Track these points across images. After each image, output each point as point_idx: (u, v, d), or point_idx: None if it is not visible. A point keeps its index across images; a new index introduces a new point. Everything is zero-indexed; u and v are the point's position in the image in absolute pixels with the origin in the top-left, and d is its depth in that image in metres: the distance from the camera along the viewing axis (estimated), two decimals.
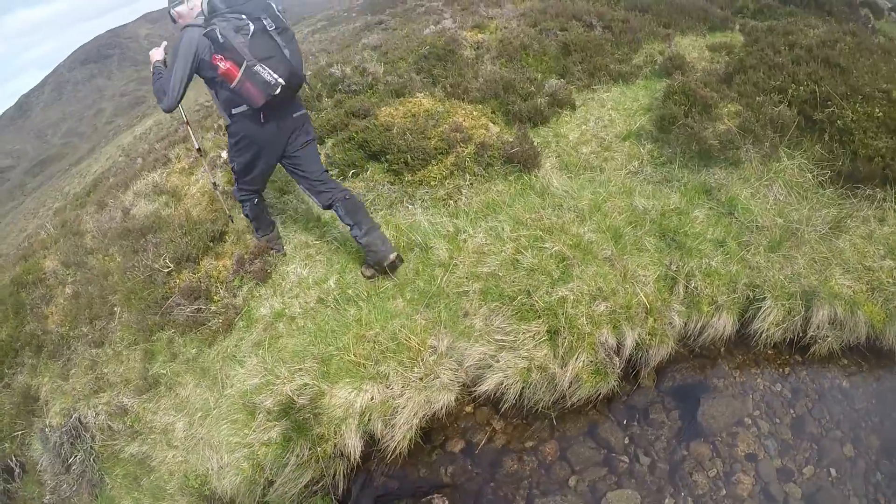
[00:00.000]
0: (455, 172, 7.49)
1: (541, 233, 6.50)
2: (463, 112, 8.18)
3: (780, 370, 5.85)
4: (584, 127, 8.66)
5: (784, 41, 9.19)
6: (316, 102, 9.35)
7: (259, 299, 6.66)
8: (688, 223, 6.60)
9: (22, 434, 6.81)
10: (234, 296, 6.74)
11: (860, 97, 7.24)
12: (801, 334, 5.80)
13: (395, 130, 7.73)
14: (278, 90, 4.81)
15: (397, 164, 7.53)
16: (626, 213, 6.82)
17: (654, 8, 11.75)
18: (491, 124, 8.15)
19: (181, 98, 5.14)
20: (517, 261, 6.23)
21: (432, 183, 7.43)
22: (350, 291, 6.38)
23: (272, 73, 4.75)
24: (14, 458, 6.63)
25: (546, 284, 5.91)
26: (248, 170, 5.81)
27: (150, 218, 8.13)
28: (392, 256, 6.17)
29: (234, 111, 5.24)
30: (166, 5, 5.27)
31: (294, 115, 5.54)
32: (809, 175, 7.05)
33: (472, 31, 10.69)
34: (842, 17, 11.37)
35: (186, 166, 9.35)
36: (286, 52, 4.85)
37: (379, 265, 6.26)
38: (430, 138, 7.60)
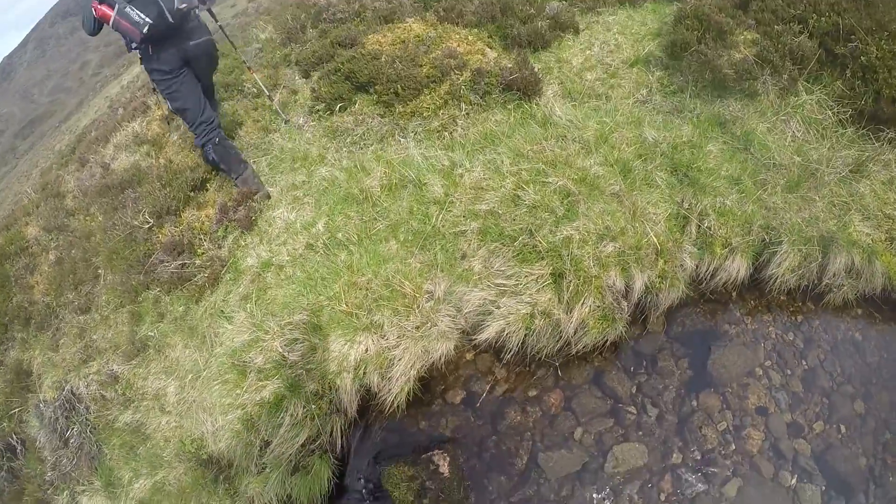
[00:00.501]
0: (450, 102, 7.17)
1: (543, 166, 6.16)
2: (457, 37, 7.83)
3: (793, 318, 5.72)
4: (588, 52, 8.24)
5: None
6: (300, 34, 9.05)
7: (245, 249, 6.47)
8: (701, 158, 6.26)
9: (19, 411, 6.74)
10: (219, 247, 6.56)
11: (886, 34, 6.78)
12: (815, 281, 5.64)
13: (383, 59, 7.41)
14: (146, 28, 5.34)
15: (387, 94, 7.24)
16: (634, 145, 6.47)
17: None
18: (488, 49, 7.81)
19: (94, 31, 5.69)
20: (518, 197, 5.92)
21: (425, 114, 7.13)
22: (340, 235, 6.15)
23: (139, 13, 5.30)
24: (14, 436, 6.56)
25: (550, 223, 5.62)
26: (177, 98, 6.27)
27: (130, 171, 7.92)
28: (261, 194, 6.71)
29: (132, 50, 5.86)
30: None
31: (191, 43, 6.03)
32: (829, 112, 6.69)
33: None
34: None
35: (167, 113, 9.11)
36: None
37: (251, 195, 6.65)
38: (421, 66, 7.27)
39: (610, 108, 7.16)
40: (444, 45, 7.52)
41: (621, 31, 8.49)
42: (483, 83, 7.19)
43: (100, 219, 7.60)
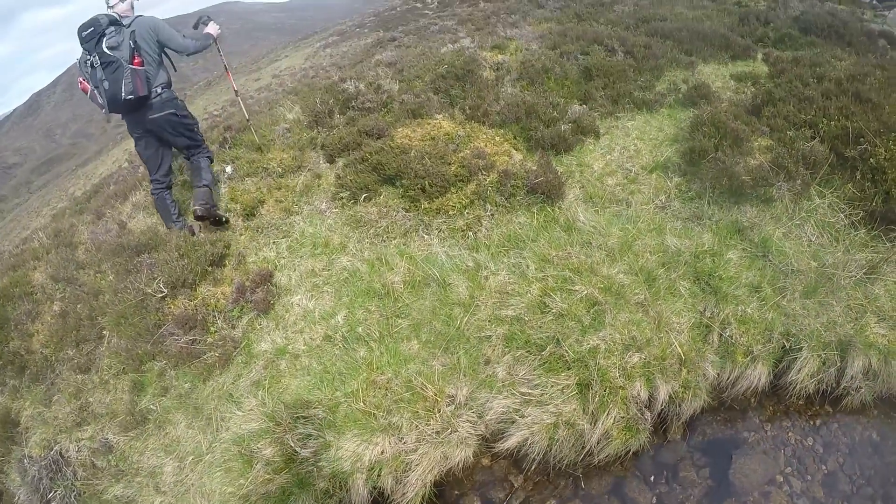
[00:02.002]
0: (475, 202, 6.80)
1: (569, 273, 5.87)
2: (484, 137, 7.50)
3: (812, 422, 5.44)
4: (608, 157, 8.01)
5: (811, 73, 8.65)
6: (327, 118, 8.67)
7: (260, 332, 5.97)
8: (722, 266, 6.02)
9: (0, 462, 6.19)
10: (233, 327, 6.04)
11: (894, 135, 6.74)
12: (833, 385, 5.40)
13: (412, 154, 7.06)
14: (104, 111, 6.15)
15: (414, 189, 6.84)
16: (658, 253, 6.23)
17: (676, 34, 11.09)
18: (514, 151, 7.48)
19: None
20: (545, 304, 5.61)
21: (451, 212, 6.73)
22: (360, 329, 5.70)
23: (99, 97, 6.06)
24: None
25: (576, 332, 5.33)
26: (141, 154, 6.99)
27: (147, 234, 7.39)
28: (196, 211, 6.83)
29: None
30: (92, 51, 6.00)
31: (152, 117, 6.46)
32: (841, 215, 6.57)
33: (492, 52, 10.02)
34: (861, 48, 10.75)
35: (188, 179, 8.63)
36: (105, 84, 5.95)
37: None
38: (450, 164, 6.92)
39: (631, 215, 6.93)
40: (472, 145, 7.20)
41: (640, 137, 8.33)
42: (509, 185, 6.84)
43: (111, 278, 7.04)
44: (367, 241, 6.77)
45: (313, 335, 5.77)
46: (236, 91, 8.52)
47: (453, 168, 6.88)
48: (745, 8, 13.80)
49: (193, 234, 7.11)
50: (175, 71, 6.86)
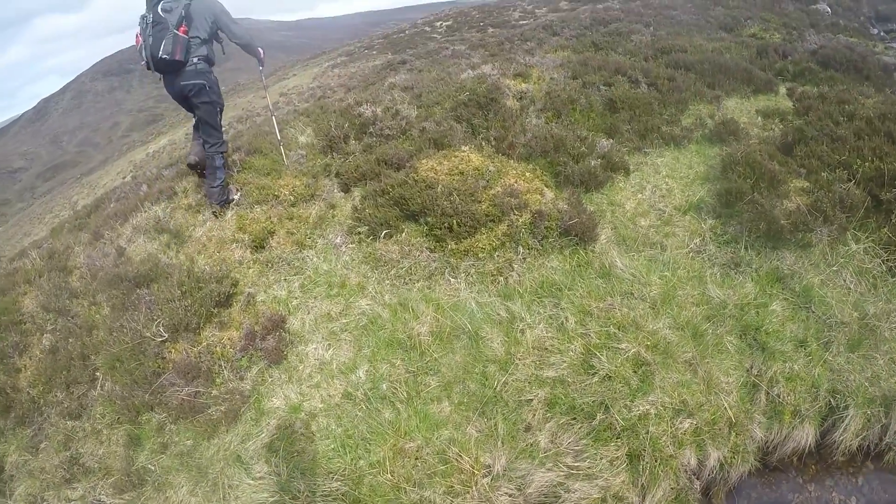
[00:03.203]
0: (507, 244, 6.07)
1: (614, 329, 5.26)
2: (514, 172, 6.77)
3: (854, 480, 5.06)
4: (640, 195, 7.36)
5: (840, 110, 8.08)
6: (342, 143, 7.95)
7: (271, 386, 5.23)
8: (767, 319, 5.51)
9: None
10: (241, 379, 5.28)
11: None
12: (876, 441, 5.02)
13: (439, 189, 6.31)
14: (144, 64, 6.40)
15: (440, 228, 6.10)
16: (701, 305, 5.70)
17: (698, 67, 10.46)
18: (545, 188, 6.75)
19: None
20: (589, 364, 5.00)
21: (480, 254, 5.99)
22: (384, 387, 4.99)
23: (143, 52, 6.32)
24: None
25: (625, 396, 4.78)
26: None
27: (147, 264, 6.64)
28: (188, 159, 7.39)
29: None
30: (154, 8, 6.33)
31: (182, 83, 6.59)
32: (878, 260, 6.08)
33: (515, 80, 9.31)
34: (878, 82, 10.24)
35: (193, 203, 7.85)
36: (150, 40, 6.25)
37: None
38: (480, 202, 6.18)
39: (667, 260, 6.32)
40: (502, 181, 6.47)
41: (670, 175, 7.73)
42: (542, 227, 6.12)
43: (106, 311, 6.27)
44: (387, 282, 6.03)
45: (331, 391, 5.03)
46: (272, 111, 8.48)
47: (483, 206, 6.15)
48: (762, 40, 13.31)
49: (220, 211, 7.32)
50: (224, 54, 7.02)
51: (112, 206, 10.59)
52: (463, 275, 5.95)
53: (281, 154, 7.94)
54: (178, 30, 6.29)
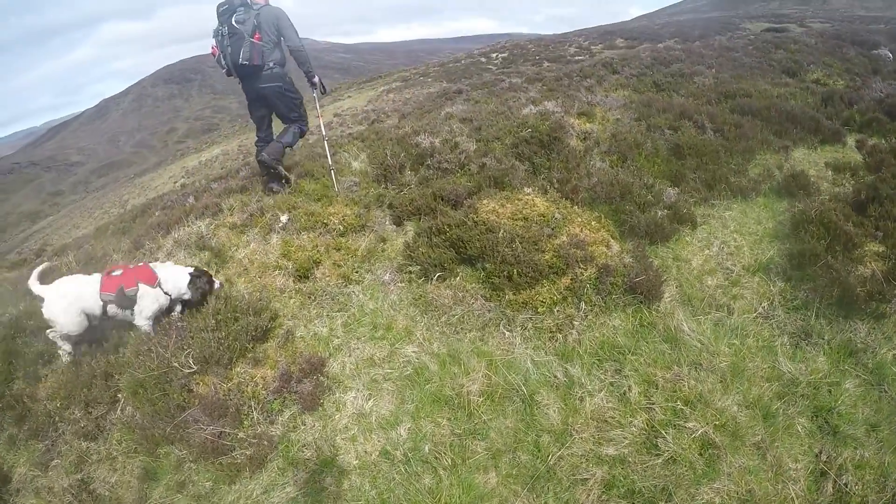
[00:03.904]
0: (569, 298, 5.51)
1: (681, 404, 4.67)
2: (580, 220, 6.23)
3: None
4: (707, 251, 6.77)
5: None
6: (397, 174, 7.50)
7: (303, 433, 4.70)
8: (839, 399, 4.92)
9: None
10: (271, 423, 4.77)
11: None
12: None
13: (500, 234, 5.79)
14: (225, 71, 7.12)
15: (498, 276, 5.56)
16: (772, 380, 5.09)
17: (764, 113, 9.85)
18: (611, 240, 6.19)
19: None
20: (653, 444, 4.42)
21: (539, 308, 5.44)
22: (426, 449, 4.43)
23: (223, 61, 7.01)
24: None
25: (689, 482, 4.20)
26: (252, 116, 7.81)
27: None
28: (261, 156, 7.71)
29: None
30: (228, 20, 6.91)
31: (260, 86, 7.26)
32: None
33: (579, 119, 8.80)
34: None
35: (238, 222, 7.46)
36: (229, 49, 6.89)
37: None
38: (543, 251, 5.65)
39: (735, 325, 5.71)
40: (568, 230, 5.91)
41: (738, 230, 7.17)
42: (608, 282, 5.54)
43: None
44: (437, 329, 5.51)
45: (368, 447, 4.49)
46: (325, 135, 8.61)
47: (547, 257, 5.61)
48: (826, 86, 12.67)
49: (273, 192, 7.77)
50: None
51: (157, 214, 10.33)
52: (519, 328, 5.40)
53: (332, 180, 7.52)
54: (253, 38, 6.90)
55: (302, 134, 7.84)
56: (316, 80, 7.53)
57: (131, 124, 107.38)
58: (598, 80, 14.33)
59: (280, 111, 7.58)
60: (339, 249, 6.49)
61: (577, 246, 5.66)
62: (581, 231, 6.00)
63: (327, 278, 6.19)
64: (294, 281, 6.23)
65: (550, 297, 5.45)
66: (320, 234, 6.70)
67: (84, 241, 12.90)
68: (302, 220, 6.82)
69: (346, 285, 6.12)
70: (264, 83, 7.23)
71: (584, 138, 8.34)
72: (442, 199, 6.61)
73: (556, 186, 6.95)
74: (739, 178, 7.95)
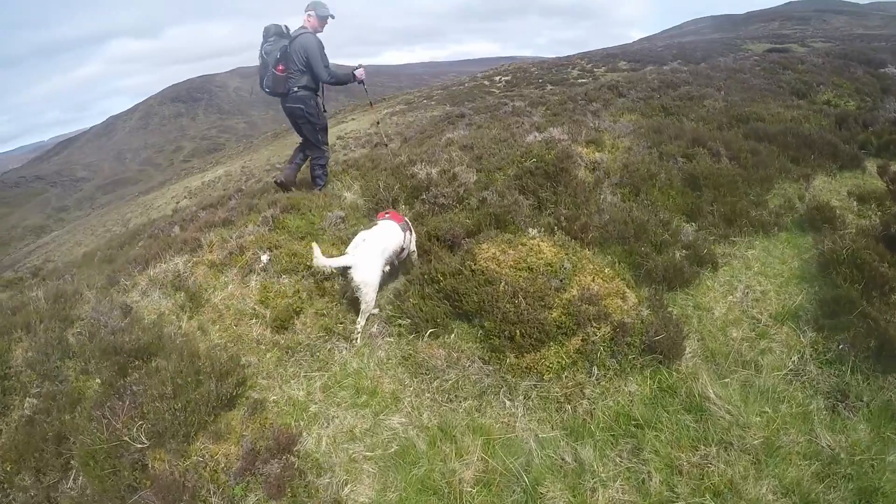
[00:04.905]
0: (579, 362, 4.76)
1: (709, 498, 3.93)
2: (591, 268, 5.48)
3: None
4: (730, 297, 6.00)
5: None
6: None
7: None
8: (883, 476, 4.20)
9: None
10: None
11: None
12: None
13: (501, 287, 5.04)
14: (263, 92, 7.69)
15: (499, 336, 4.82)
16: (811, 458, 4.35)
17: (780, 139, 9.08)
18: (626, 290, 5.44)
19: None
20: None
21: (546, 375, 4.68)
22: None
23: (259, 79, 7.61)
24: None
25: None
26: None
27: (151, 332, 5.51)
28: (276, 177, 8.57)
29: None
30: (260, 49, 7.49)
31: (287, 105, 7.65)
32: None
33: (588, 148, 8.09)
34: None
35: (218, 259, 6.75)
36: (261, 71, 7.51)
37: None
38: (550, 308, 4.90)
39: (766, 387, 4.95)
40: (578, 280, 5.17)
41: (763, 271, 6.42)
42: (623, 342, 4.78)
43: (97, 385, 5.12)
44: (427, 395, 4.76)
45: None
46: (381, 136, 8.90)
47: (554, 314, 4.87)
48: (837, 108, 11.93)
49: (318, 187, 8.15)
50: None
51: (140, 245, 9.69)
52: (522, 398, 4.64)
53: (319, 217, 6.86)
54: (275, 69, 7.35)
55: (325, 167, 8.18)
56: (357, 77, 7.78)
57: (137, 142, 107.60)
58: (605, 103, 13.66)
59: (301, 132, 7.94)
60: (322, 295, 5.78)
61: (589, 301, 4.91)
62: (593, 281, 5.26)
63: (308, 330, 5.48)
64: (272, 331, 5.54)
65: (558, 362, 4.70)
66: (303, 276, 6.00)
67: (69, 268, 12.27)
68: (283, 260, 6.12)
69: (328, 338, 5.39)
70: (289, 103, 7.61)
71: (593, 169, 7.62)
72: (437, 239, 5.91)
73: (563, 225, 6.21)
74: (760, 210, 7.22)
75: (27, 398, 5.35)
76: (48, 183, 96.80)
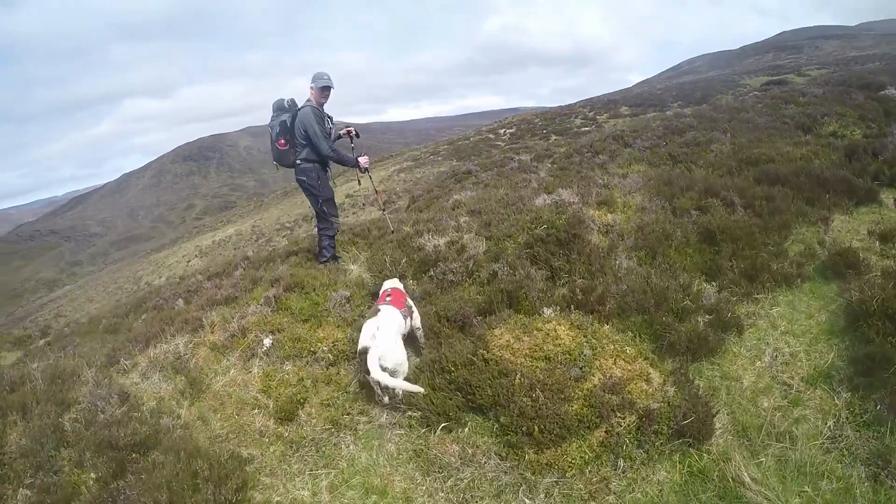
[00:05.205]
0: (603, 455, 4.37)
1: None
2: (612, 348, 5.11)
3: None
4: (758, 363, 5.59)
5: None
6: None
7: None
8: None
9: None
10: None
11: None
12: None
13: (517, 380, 4.67)
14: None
15: (516, 432, 4.43)
16: None
17: (793, 180, 8.72)
18: (650, 370, 5.06)
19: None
20: None
21: (568, 471, 4.29)
22: None
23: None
24: None
25: None
26: None
27: (149, 426, 5.17)
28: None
29: None
30: (268, 123, 7.66)
31: (295, 176, 7.81)
32: None
33: (600, 210, 7.81)
34: None
35: (219, 341, 6.45)
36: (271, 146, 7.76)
37: None
38: (570, 400, 4.51)
39: (802, 461, 4.52)
40: (600, 364, 4.80)
41: (790, 330, 5.98)
42: (650, 431, 4.39)
43: (90, 480, 4.78)
44: (441, 495, 4.37)
45: None
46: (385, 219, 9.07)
47: (575, 407, 4.48)
48: (844, 139, 11.68)
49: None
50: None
51: (141, 320, 9.44)
52: (543, 496, 4.24)
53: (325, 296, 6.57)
54: (277, 143, 7.56)
55: (330, 239, 8.04)
56: (360, 164, 7.81)
57: (150, 199, 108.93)
58: (611, 155, 13.48)
59: (308, 201, 8.06)
60: (328, 383, 5.45)
61: (612, 389, 4.53)
62: (614, 364, 4.89)
63: (313, 421, 5.14)
64: (276, 422, 5.21)
65: (581, 457, 4.30)
66: (307, 363, 5.69)
67: (73, 338, 12.02)
68: (287, 346, 5.83)
69: (335, 432, 5.04)
70: (296, 174, 7.75)
71: (607, 232, 7.32)
72: (447, 320, 5.59)
73: (579, 299, 5.87)
74: (780, 261, 6.84)
75: (21, 488, 5.02)
76: (62, 237, 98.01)
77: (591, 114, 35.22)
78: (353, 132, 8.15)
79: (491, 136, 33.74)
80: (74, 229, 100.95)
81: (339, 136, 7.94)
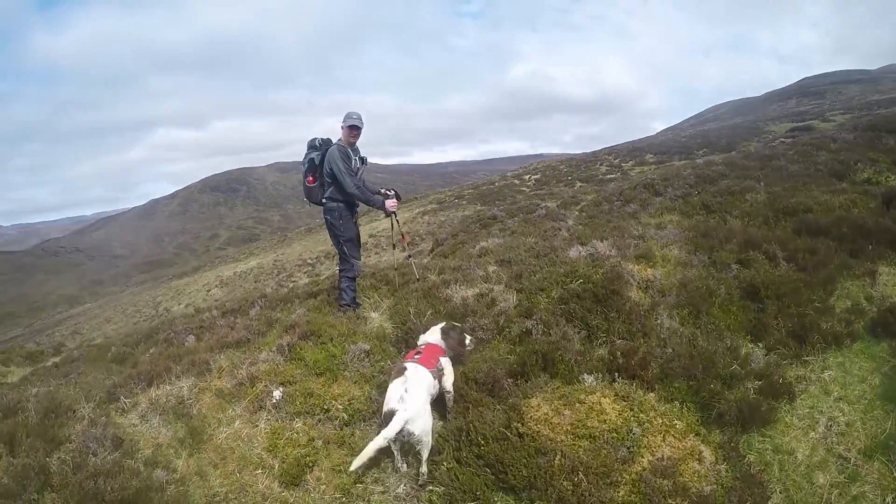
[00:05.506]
0: None
1: None
2: (660, 423, 4.50)
3: None
4: (812, 434, 5.03)
5: None
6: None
7: None
8: None
9: None
10: None
11: None
12: None
13: (556, 459, 4.08)
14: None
15: None
16: None
17: (834, 231, 8.05)
18: (702, 447, 4.45)
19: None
20: None
21: None
22: None
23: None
24: None
25: None
26: None
27: (141, 479, 4.65)
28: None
29: None
30: (300, 159, 7.76)
31: (323, 214, 7.71)
32: None
33: (638, 264, 7.25)
34: None
35: (226, 388, 5.95)
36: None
37: None
38: (617, 486, 3.92)
39: None
40: (648, 442, 4.20)
41: (843, 396, 5.47)
42: None
43: None
44: None
45: None
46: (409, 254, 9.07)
47: (622, 493, 3.88)
48: (880, 185, 11.07)
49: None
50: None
51: (148, 354, 9.01)
52: None
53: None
54: (306, 180, 7.58)
55: (350, 281, 7.75)
56: (387, 207, 7.58)
57: (176, 226, 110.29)
58: (642, 204, 12.96)
59: (331, 239, 7.98)
60: (341, 445, 4.92)
61: (663, 473, 3.93)
62: (664, 441, 4.28)
63: (322, 487, 4.60)
64: (280, 485, 4.70)
65: None
66: (319, 421, 5.18)
67: (77, 366, 11.64)
68: (298, 400, 5.32)
69: (346, 501, 4.47)
70: (323, 213, 7.65)
71: (646, 288, 6.77)
72: (475, 382, 5.03)
73: (620, 363, 5.30)
74: (828, 319, 6.28)
75: None
76: (87, 256, 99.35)
77: (617, 161, 34.98)
78: (394, 192, 7.98)
79: (516, 181, 33.54)
80: (99, 249, 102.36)
81: (380, 192, 7.79)
